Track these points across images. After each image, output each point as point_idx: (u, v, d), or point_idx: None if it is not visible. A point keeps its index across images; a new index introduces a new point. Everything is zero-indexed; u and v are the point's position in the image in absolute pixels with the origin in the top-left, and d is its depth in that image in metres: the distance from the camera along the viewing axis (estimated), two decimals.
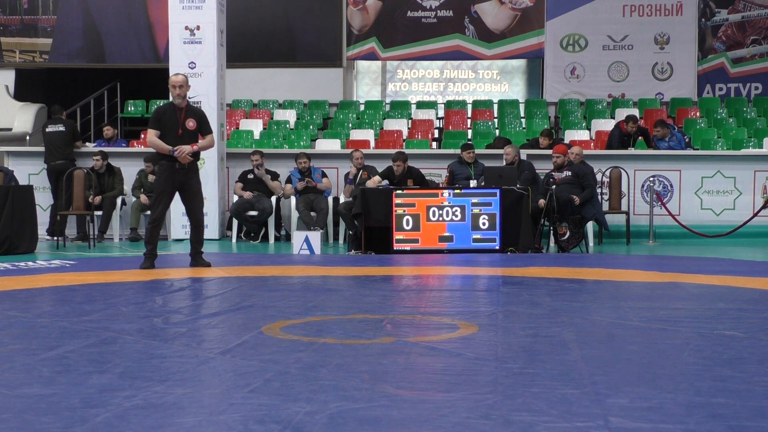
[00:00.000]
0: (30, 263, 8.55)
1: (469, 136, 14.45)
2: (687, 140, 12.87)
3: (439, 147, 14.19)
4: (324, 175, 11.64)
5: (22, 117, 15.18)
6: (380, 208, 9.75)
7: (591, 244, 10.70)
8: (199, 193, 7.96)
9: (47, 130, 12.15)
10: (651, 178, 11.63)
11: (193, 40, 11.68)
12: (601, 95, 15.97)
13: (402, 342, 4.43)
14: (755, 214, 11.23)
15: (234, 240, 11.57)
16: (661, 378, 3.62)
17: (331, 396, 3.29)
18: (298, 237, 9.82)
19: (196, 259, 8.02)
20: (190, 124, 7.81)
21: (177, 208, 11.63)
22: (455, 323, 4.98)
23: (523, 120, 15.36)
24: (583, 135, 14.26)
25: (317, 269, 7.92)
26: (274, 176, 11.70)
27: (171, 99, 7.93)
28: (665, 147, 12.41)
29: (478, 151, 11.53)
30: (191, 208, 7.92)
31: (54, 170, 11.84)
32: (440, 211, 9.73)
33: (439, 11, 16.33)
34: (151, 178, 11.74)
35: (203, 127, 7.99)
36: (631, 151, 12.41)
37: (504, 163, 10.95)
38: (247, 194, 11.44)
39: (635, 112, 15.12)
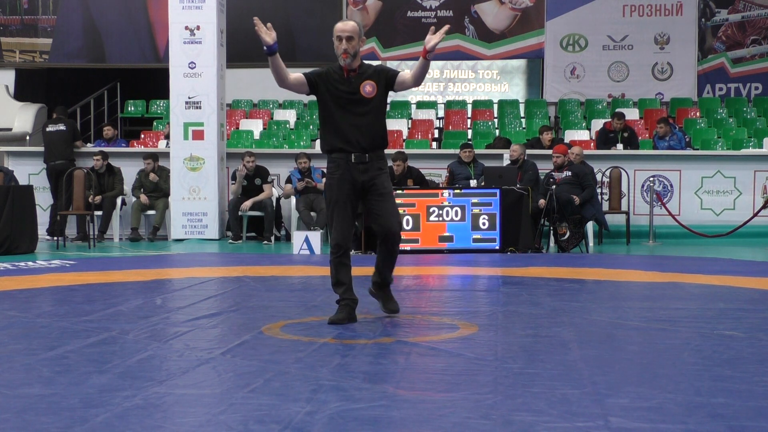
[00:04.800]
0: (30, 263, 8.55)
1: (469, 136, 14.44)
2: (687, 140, 12.87)
3: (439, 147, 14.18)
4: (324, 175, 11.63)
5: (22, 117, 15.17)
6: None
7: (591, 244, 10.69)
8: (391, 195, 5.11)
9: (47, 129, 12.16)
10: (651, 178, 11.63)
11: (193, 40, 11.68)
12: (601, 95, 15.96)
13: (402, 342, 4.43)
14: (755, 214, 11.23)
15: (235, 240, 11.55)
16: (661, 378, 3.62)
17: (331, 396, 3.30)
18: (298, 237, 9.82)
19: (383, 293, 5.29)
20: (367, 88, 5.04)
21: (177, 207, 11.68)
22: (455, 323, 4.98)
23: (523, 120, 15.36)
24: (583, 135, 14.26)
25: (317, 269, 7.92)
26: (264, 176, 11.58)
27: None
28: (665, 146, 12.42)
29: (478, 151, 11.53)
30: (381, 214, 5.05)
31: (54, 170, 11.85)
32: (440, 211, 9.72)
33: (439, 11, 16.33)
34: (152, 177, 11.73)
35: (387, 78, 5.10)
36: (632, 151, 12.41)
37: (504, 163, 10.95)
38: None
39: (635, 112, 15.14)
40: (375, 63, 5.08)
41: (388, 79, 5.06)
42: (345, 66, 5.02)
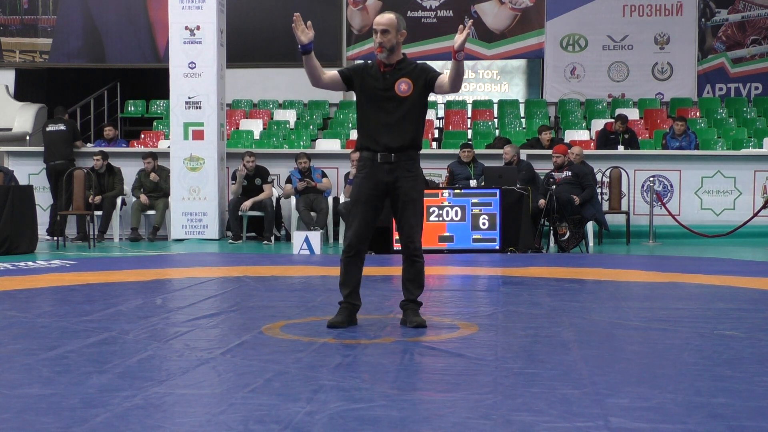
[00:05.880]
0: (30, 263, 8.55)
1: (469, 136, 14.44)
2: (697, 142, 12.88)
3: (439, 147, 14.19)
4: (324, 175, 11.64)
5: (22, 117, 15.17)
6: None
7: (591, 244, 10.69)
8: (417, 203, 4.88)
9: (47, 129, 12.16)
10: (651, 178, 11.63)
11: (193, 40, 11.68)
12: (601, 95, 15.96)
13: (402, 342, 4.44)
14: (755, 214, 11.23)
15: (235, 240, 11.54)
16: (661, 378, 3.62)
17: (331, 396, 3.30)
18: (298, 237, 9.81)
19: (407, 311, 4.95)
20: (402, 86, 4.83)
21: (177, 207, 11.68)
22: (455, 323, 4.98)
23: (523, 120, 15.36)
24: (583, 135, 14.26)
25: (317, 269, 7.92)
26: (264, 176, 11.58)
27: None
28: (676, 146, 12.45)
29: (478, 151, 11.53)
30: (400, 224, 4.92)
31: (54, 170, 11.85)
32: (440, 211, 9.72)
33: (439, 11, 16.32)
34: (153, 176, 11.72)
35: (427, 80, 4.85)
36: (632, 151, 12.41)
37: (503, 163, 10.95)
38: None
39: (635, 111, 15.13)
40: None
41: (428, 80, 4.81)
42: (379, 60, 4.81)
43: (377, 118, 4.81)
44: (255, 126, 14.91)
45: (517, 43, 16.26)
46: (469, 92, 17.46)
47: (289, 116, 15.39)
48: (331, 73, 4.92)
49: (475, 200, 9.77)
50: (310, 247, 9.63)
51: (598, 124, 14.59)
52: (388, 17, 4.81)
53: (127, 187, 12.00)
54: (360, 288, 4.93)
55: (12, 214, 9.85)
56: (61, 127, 12.10)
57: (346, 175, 11.40)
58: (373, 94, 4.82)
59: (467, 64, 17.30)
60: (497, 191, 9.77)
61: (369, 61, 4.92)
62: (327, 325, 4.82)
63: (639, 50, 16.00)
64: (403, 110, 4.79)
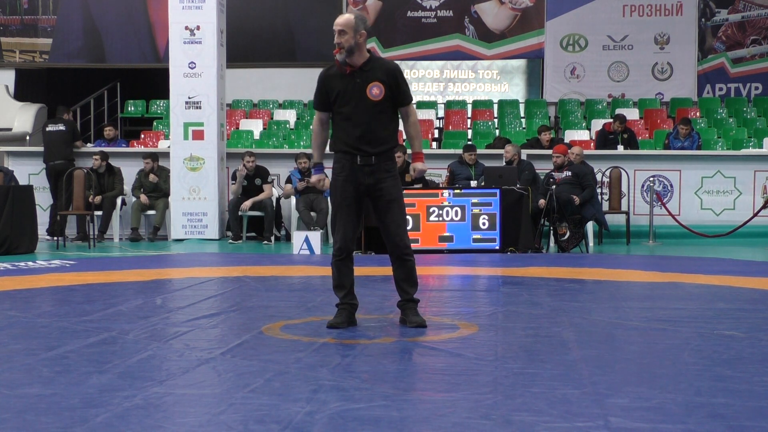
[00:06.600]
0: (30, 263, 8.55)
1: (469, 136, 14.44)
2: (700, 143, 12.89)
3: (439, 147, 14.19)
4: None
5: (22, 117, 15.17)
6: None
7: (591, 244, 10.69)
8: (398, 202, 4.90)
9: (47, 129, 12.16)
10: (651, 178, 11.63)
11: (193, 40, 11.68)
12: (601, 95, 15.96)
13: (402, 342, 4.44)
14: (755, 214, 11.22)
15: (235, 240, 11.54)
16: (661, 378, 3.62)
17: (331, 396, 3.30)
18: (298, 237, 9.82)
19: (406, 310, 4.91)
20: (374, 91, 4.77)
21: (177, 207, 11.68)
22: (455, 323, 4.98)
23: (523, 120, 15.36)
24: (583, 135, 14.26)
25: (317, 269, 7.92)
26: (264, 176, 11.58)
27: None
28: (678, 146, 12.45)
29: (478, 151, 11.52)
30: (386, 224, 4.89)
31: (53, 170, 11.84)
32: (440, 211, 9.72)
33: (439, 11, 16.32)
34: (152, 177, 11.72)
35: (397, 93, 4.84)
36: (632, 151, 12.41)
37: (504, 163, 10.94)
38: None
39: (635, 111, 15.13)
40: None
41: (397, 100, 4.83)
42: (338, 61, 4.76)
43: (352, 121, 4.77)
44: (255, 126, 14.91)
45: (517, 43, 16.26)
46: (469, 92, 17.44)
47: (289, 116, 15.39)
48: (319, 120, 5.00)
49: (475, 200, 9.77)
50: (310, 247, 9.63)
51: (598, 124, 14.58)
52: (345, 18, 4.75)
53: (127, 187, 11.99)
54: (355, 287, 4.93)
55: (12, 214, 9.84)
56: (61, 127, 12.10)
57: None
58: (344, 98, 4.77)
59: (467, 64, 17.32)
60: (497, 191, 9.77)
61: (331, 65, 4.87)
62: (327, 326, 4.81)
63: (639, 50, 16.00)
64: (377, 113, 4.77)
